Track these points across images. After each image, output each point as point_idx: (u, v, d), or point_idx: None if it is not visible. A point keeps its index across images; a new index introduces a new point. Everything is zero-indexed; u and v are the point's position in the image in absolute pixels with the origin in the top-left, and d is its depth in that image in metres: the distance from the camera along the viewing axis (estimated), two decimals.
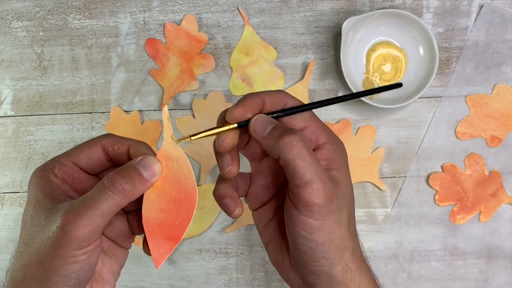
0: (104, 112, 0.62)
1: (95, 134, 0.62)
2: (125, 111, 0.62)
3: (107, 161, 0.37)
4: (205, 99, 0.61)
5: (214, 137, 0.37)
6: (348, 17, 0.58)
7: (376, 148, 0.61)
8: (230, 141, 0.37)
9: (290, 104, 0.38)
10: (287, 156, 0.34)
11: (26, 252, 0.33)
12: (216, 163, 0.39)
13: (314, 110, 0.39)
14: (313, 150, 0.37)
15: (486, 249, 0.60)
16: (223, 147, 0.37)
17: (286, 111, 0.37)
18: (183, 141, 0.36)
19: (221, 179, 0.40)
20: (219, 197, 0.39)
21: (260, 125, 0.36)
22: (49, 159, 0.36)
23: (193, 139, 0.36)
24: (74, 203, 0.32)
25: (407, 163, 0.61)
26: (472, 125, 0.61)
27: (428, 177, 0.60)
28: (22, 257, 0.33)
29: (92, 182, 0.36)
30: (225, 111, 0.37)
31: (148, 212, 0.36)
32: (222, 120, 0.37)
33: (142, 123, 0.62)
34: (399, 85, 0.42)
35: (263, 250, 0.61)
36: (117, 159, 0.36)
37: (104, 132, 0.62)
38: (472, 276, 0.60)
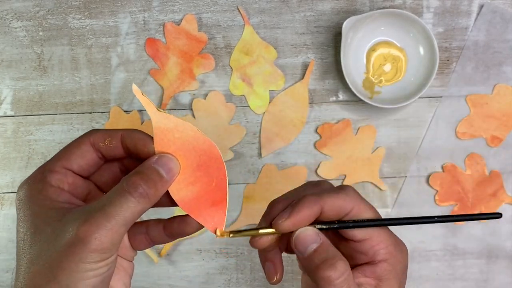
0: (104, 112, 0.62)
1: None
2: (125, 111, 0.62)
3: (99, 160, 0.34)
4: (205, 99, 0.61)
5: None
6: (348, 17, 0.58)
7: (376, 148, 0.61)
8: (265, 240, 0.34)
9: (355, 211, 0.34)
10: None
11: (33, 271, 0.29)
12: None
13: None
14: (366, 264, 0.34)
15: (486, 249, 0.60)
16: (259, 245, 0.34)
17: (341, 223, 0.33)
18: (224, 237, 0.33)
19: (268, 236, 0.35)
20: (263, 258, 0.37)
21: (303, 242, 0.32)
22: (49, 159, 0.34)
23: (232, 237, 0.33)
24: (90, 212, 0.29)
25: (407, 163, 0.61)
26: (473, 125, 0.61)
27: (428, 177, 0.60)
28: (30, 278, 0.29)
29: (88, 186, 0.34)
30: (272, 208, 0.34)
31: (178, 194, 0.33)
32: (267, 221, 0.34)
33: (142, 123, 0.61)
34: (497, 215, 0.36)
35: None
36: (110, 155, 0.33)
37: None
38: (472, 276, 0.60)
